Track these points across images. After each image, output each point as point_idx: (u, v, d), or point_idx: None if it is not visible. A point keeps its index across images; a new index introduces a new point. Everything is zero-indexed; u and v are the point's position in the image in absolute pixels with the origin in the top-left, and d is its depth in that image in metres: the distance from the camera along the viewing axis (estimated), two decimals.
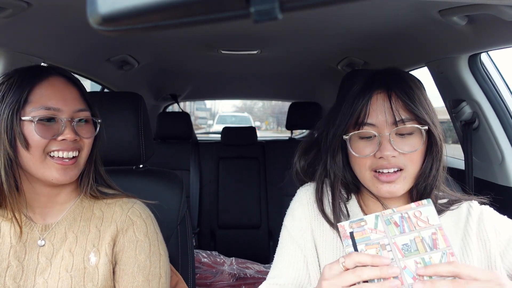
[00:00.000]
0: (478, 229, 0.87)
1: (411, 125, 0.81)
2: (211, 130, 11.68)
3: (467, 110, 1.45)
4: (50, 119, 0.85)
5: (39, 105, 0.84)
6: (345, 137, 0.85)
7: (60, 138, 0.85)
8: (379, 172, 0.82)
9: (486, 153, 1.44)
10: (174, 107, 3.62)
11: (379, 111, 0.81)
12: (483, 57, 1.43)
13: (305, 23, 1.45)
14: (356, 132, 0.83)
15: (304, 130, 3.98)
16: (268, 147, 2.92)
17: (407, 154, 0.81)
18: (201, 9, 0.27)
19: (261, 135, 3.50)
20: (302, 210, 0.94)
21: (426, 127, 0.81)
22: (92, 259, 0.89)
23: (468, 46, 1.29)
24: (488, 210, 0.90)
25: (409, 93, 0.81)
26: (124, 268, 0.91)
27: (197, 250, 2.41)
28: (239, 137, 2.95)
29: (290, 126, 2.94)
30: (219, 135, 3.04)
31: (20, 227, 0.88)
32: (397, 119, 0.80)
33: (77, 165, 0.90)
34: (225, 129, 2.98)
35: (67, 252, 0.89)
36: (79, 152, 0.89)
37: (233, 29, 1.54)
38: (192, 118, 3.37)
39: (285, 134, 5.75)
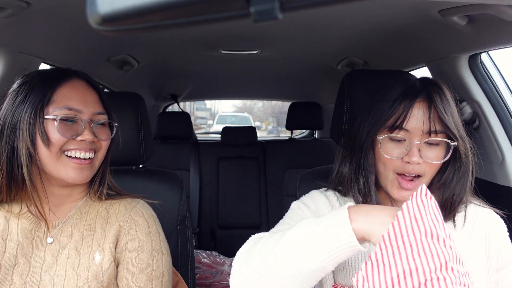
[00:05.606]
0: (485, 230, 0.91)
1: (442, 139, 0.84)
2: (211, 130, 11.66)
3: (467, 110, 1.45)
4: (71, 119, 0.88)
5: (62, 105, 0.88)
6: (379, 137, 0.86)
7: (79, 138, 0.88)
8: (401, 174, 0.85)
9: (486, 153, 1.44)
10: (174, 107, 3.62)
11: (418, 119, 0.83)
12: (484, 57, 1.43)
13: (305, 23, 1.45)
14: (390, 135, 0.85)
15: (304, 130, 3.97)
16: (268, 147, 2.92)
17: (429, 162, 0.84)
18: (201, 9, 0.27)
19: (261, 135, 3.50)
20: (317, 204, 0.94)
21: (456, 144, 0.84)
22: (97, 257, 0.91)
23: (468, 46, 1.29)
24: (501, 222, 0.93)
25: (447, 106, 0.83)
26: (128, 268, 0.92)
27: (197, 250, 2.41)
28: (239, 137, 2.95)
29: (290, 126, 2.94)
30: (219, 135, 3.04)
31: (46, 220, 0.91)
32: (432, 129, 0.83)
33: (92, 166, 0.93)
34: (225, 129, 2.98)
35: (73, 251, 0.91)
36: (95, 154, 0.93)
37: (233, 29, 1.54)
38: (192, 118, 3.36)
39: (285, 134, 5.75)
